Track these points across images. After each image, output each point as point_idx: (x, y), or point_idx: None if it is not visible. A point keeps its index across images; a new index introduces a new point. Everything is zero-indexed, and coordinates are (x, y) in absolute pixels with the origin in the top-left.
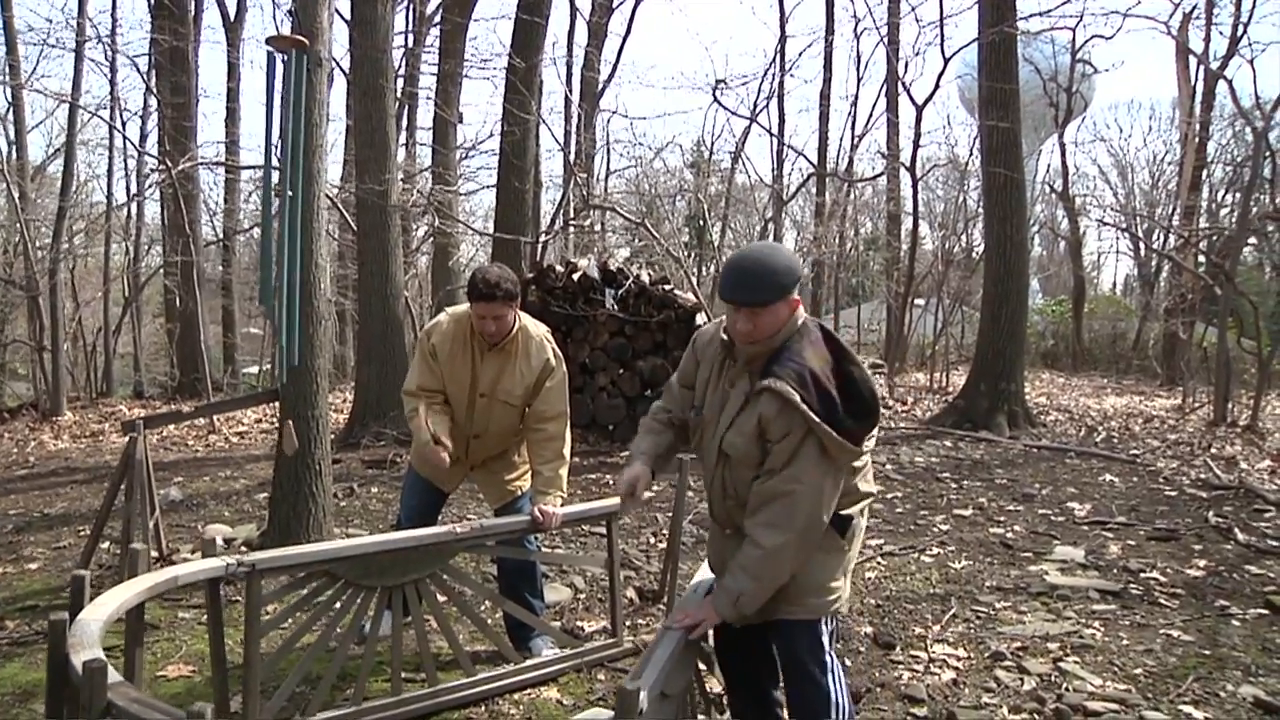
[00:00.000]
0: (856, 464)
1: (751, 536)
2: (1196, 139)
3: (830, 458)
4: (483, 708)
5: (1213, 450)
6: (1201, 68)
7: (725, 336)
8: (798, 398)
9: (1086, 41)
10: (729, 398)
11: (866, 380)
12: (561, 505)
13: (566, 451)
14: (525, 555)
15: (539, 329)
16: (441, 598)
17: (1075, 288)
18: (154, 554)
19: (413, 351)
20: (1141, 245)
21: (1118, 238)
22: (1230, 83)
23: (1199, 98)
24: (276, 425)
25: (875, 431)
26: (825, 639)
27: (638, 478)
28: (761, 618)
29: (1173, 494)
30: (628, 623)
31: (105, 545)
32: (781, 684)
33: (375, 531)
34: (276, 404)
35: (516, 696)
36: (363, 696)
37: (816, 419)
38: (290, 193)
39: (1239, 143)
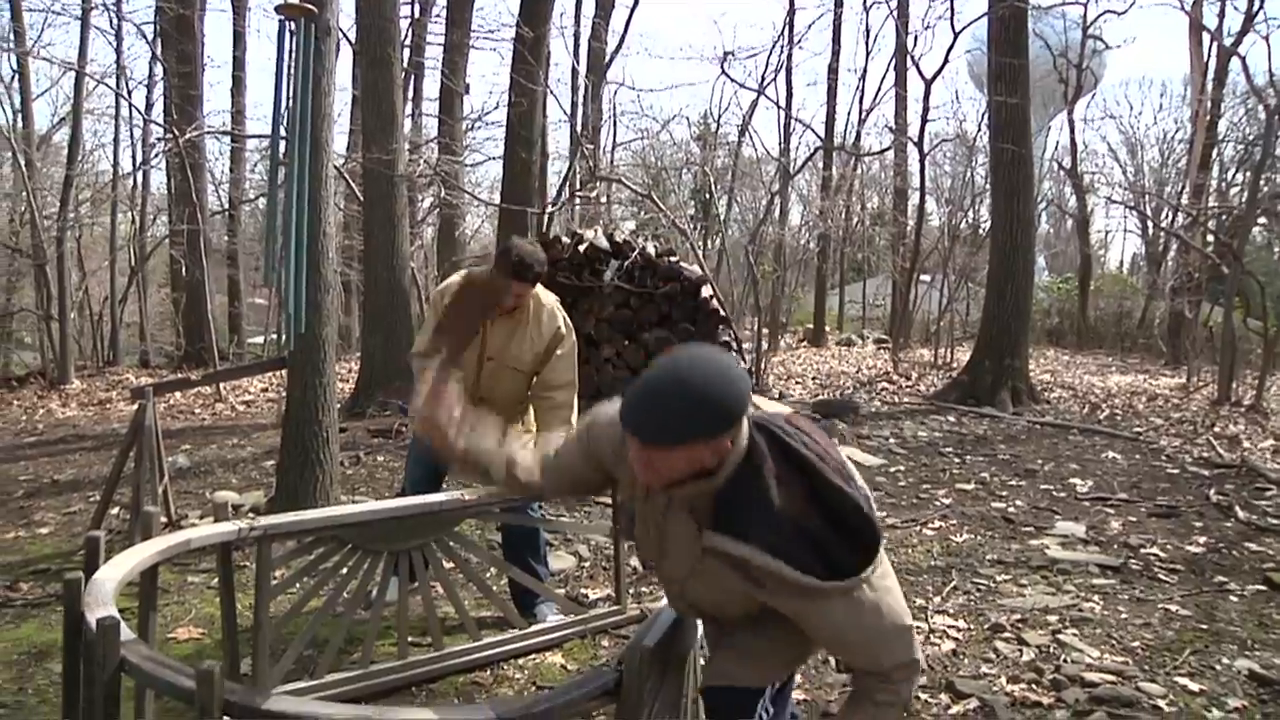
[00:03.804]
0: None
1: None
2: (1208, 117)
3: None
4: (488, 672)
5: (1216, 429)
6: (1214, 44)
7: None
8: (788, 572)
9: (1098, 17)
10: (666, 533)
11: (848, 497)
12: None
13: (574, 421)
14: (530, 523)
15: (550, 298)
16: (448, 564)
17: (1082, 265)
18: (162, 519)
19: (418, 322)
20: (1149, 223)
21: (1125, 216)
22: (1244, 60)
23: (1211, 75)
24: (283, 394)
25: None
26: (766, 697)
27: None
28: (703, 678)
29: (1175, 472)
30: (631, 590)
31: (114, 511)
32: None
33: (381, 499)
34: (284, 372)
35: (521, 661)
36: (370, 660)
37: (825, 585)
38: (296, 161)
39: (1251, 121)
